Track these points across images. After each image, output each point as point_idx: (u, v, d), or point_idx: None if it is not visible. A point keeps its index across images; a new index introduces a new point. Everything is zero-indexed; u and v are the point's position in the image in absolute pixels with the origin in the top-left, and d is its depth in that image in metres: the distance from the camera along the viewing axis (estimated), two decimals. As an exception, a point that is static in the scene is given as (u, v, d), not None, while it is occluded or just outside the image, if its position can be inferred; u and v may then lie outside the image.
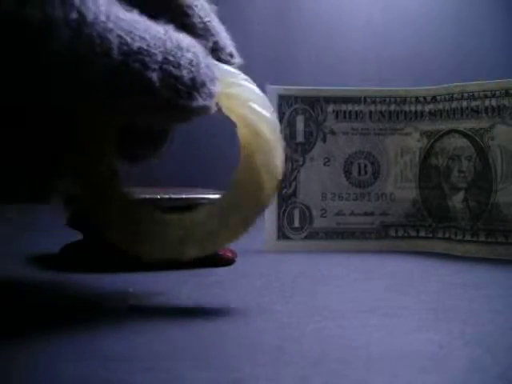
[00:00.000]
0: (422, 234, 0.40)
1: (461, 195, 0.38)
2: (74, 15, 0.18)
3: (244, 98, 0.22)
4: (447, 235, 0.38)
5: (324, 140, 0.40)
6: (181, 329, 0.20)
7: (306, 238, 0.40)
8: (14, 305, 0.24)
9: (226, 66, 0.22)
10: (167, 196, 0.32)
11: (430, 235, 0.40)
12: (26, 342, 0.19)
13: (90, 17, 0.18)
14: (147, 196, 0.31)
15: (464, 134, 0.38)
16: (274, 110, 0.39)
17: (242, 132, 0.22)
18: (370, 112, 0.40)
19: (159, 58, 0.19)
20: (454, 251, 0.38)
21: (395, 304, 0.24)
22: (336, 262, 0.35)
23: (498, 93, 0.36)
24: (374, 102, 0.40)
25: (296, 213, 0.40)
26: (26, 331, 0.20)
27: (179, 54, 0.20)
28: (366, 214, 0.40)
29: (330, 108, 0.40)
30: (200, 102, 0.20)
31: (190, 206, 0.31)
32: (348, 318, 0.22)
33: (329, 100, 0.40)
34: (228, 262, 0.33)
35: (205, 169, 0.78)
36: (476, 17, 0.89)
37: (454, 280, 0.30)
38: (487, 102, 0.37)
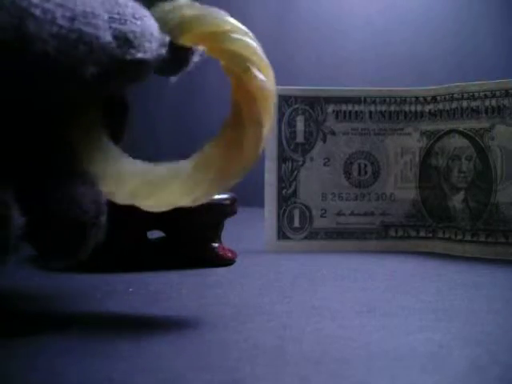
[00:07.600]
0: (422, 234, 0.40)
1: (461, 195, 0.38)
2: None
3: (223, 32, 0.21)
4: (447, 235, 0.38)
5: (324, 140, 0.40)
6: (181, 329, 0.20)
7: (305, 238, 0.40)
8: (14, 305, 0.24)
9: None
10: None
11: (430, 235, 0.40)
12: (26, 342, 0.19)
13: None
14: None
15: (464, 134, 0.38)
16: (274, 110, 0.39)
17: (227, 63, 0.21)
18: (370, 112, 0.40)
19: (105, 17, 0.19)
20: (454, 251, 0.38)
21: (395, 304, 0.24)
22: (336, 262, 0.35)
23: (498, 93, 0.36)
24: (373, 102, 0.40)
25: (296, 213, 0.40)
26: (25, 331, 0.20)
27: (121, 10, 0.20)
28: (366, 214, 0.40)
29: (330, 108, 0.40)
30: (154, 51, 0.20)
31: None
32: (348, 318, 0.22)
33: (329, 100, 0.40)
34: (228, 261, 0.33)
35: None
36: (476, 17, 0.89)
37: (454, 280, 0.30)
38: (487, 102, 0.37)
